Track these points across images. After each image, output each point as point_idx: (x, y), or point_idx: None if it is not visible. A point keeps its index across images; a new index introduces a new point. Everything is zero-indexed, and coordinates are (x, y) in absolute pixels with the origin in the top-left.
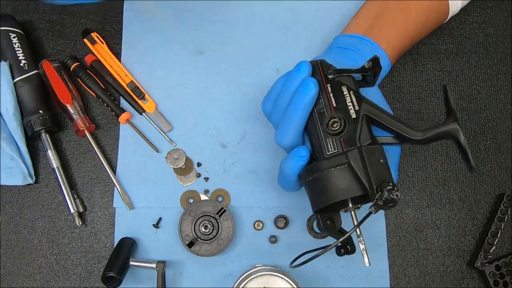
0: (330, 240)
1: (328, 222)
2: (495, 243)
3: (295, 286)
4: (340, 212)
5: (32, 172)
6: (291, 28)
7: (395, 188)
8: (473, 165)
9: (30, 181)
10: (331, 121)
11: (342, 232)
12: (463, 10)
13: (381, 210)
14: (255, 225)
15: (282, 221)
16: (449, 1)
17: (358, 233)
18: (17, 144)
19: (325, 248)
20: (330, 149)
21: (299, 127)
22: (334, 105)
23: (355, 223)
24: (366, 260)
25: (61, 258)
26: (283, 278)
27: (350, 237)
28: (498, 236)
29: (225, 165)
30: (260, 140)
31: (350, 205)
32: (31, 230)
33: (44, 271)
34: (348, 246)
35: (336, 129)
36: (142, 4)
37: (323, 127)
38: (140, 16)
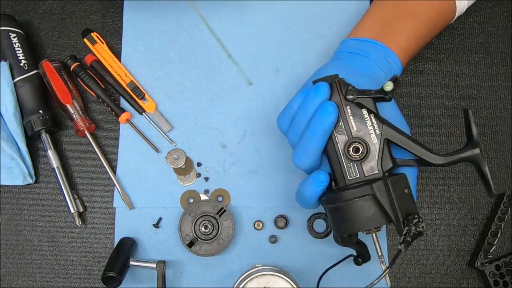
0: (331, 241)
1: (345, 236)
2: (495, 243)
3: (295, 286)
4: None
5: (32, 172)
6: (291, 28)
7: (421, 219)
8: (494, 191)
9: (30, 181)
10: (352, 146)
11: (359, 243)
12: None
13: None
14: (255, 225)
15: (282, 221)
16: (456, 2)
17: (380, 254)
18: (17, 144)
19: (341, 260)
20: (351, 174)
21: (317, 151)
22: (354, 128)
23: (377, 245)
24: (387, 280)
25: (61, 258)
26: (283, 278)
27: (365, 246)
28: (498, 236)
29: (225, 165)
30: (260, 140)
31: (373, 229)
32: (31, 230)
33: (44, 271)
34: (365, 255)
35: (357, 154)
36: (142, 4)
37: (344, 151)
38: (140, 16)
